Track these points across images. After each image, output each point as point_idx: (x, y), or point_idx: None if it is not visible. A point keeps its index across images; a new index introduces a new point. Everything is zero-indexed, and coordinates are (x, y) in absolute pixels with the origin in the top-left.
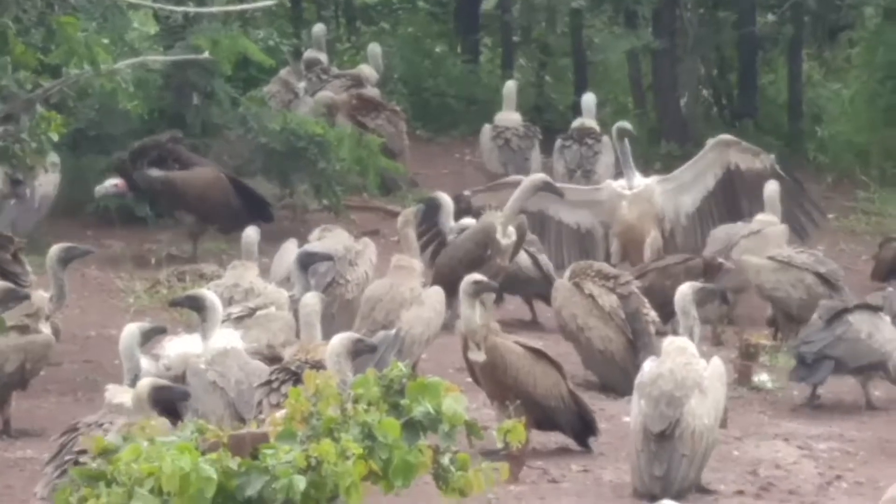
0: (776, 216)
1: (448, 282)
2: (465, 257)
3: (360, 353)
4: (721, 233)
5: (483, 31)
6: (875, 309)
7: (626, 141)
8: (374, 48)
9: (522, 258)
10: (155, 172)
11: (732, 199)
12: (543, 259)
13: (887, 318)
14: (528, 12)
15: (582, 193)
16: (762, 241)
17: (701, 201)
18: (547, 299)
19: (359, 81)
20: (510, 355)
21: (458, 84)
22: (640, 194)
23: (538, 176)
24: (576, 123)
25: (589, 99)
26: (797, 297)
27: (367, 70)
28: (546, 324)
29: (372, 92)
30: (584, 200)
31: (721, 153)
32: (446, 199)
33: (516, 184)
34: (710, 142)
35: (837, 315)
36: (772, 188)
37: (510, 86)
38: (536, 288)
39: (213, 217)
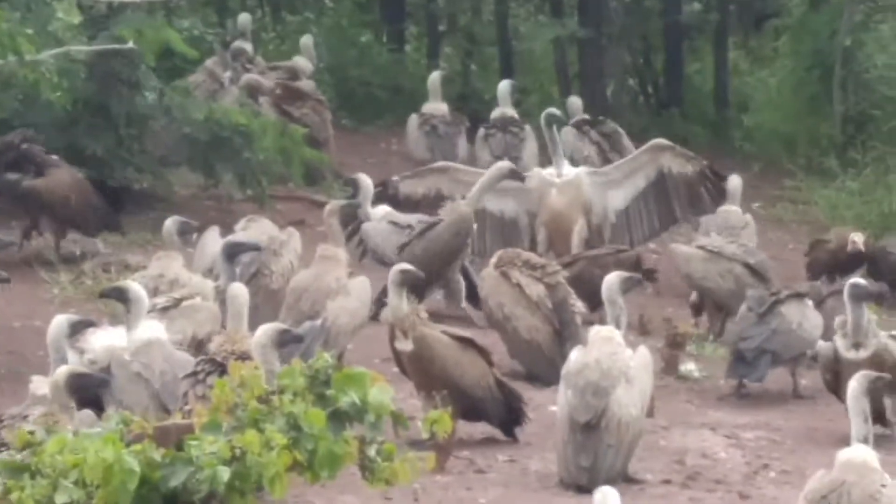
0: (738, 207)
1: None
2: (444, 249)
3: (285, 343)
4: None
5: (409, 20)
6: (801, 295)
7: (555, 128)
8: (307, 40)
9: None
10: (12, 176)
11: (665, 201)
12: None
13: (810, 303)
14: (453, 1)
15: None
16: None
17: (631, 200)
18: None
19: (294, 74)
20: (437, 345)
21: (384, 73)
22: (569, 182)
23: (504, 164)
24: (496, 113)
25: (504, 87)
26: (726, 288)
27: (301, 62)
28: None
29: (308, 85)
30: (510, 189)
31: (655, 156)
32: (366, 182)
33: (443, 169)
34: (646, 145)
35: (770, 307)
36: (735, 182)
37: (435, 77)
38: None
39: (76, 220)
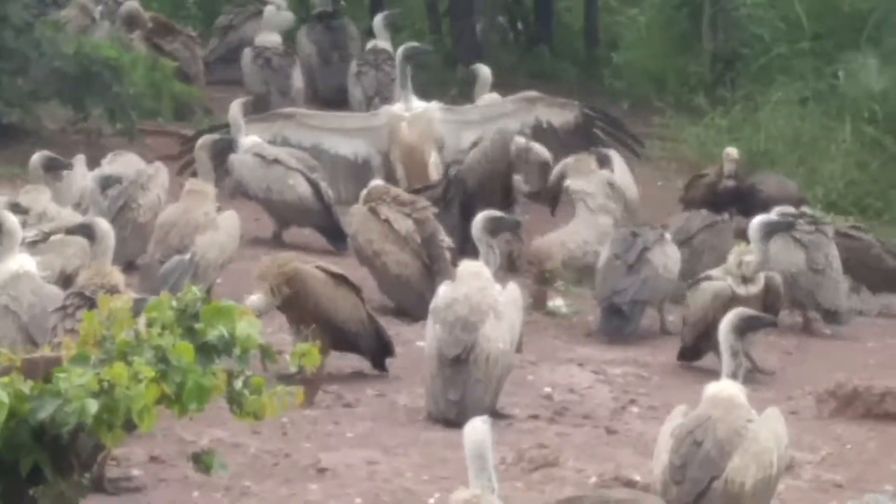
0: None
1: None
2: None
3: None
4: None
5: None
6: (660, 232)
7: (408, 65)
8: None
9: (303, 187)
10: None
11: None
12: (324, 187)
13: (668, 237)
14: None
15: (357, 120)
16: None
17: None
18: (327, 231)
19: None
20: (311, 280)
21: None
22: (420, 115)
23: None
24: (370, 45)
25: (380, 20)
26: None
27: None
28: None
29: None
30: (360, 128)
31: (526, 109)
32: (237, 114)
33: (289, 115)
34: (515, 95)
35: (638, 256)
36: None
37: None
38: (315, 219)
39: None
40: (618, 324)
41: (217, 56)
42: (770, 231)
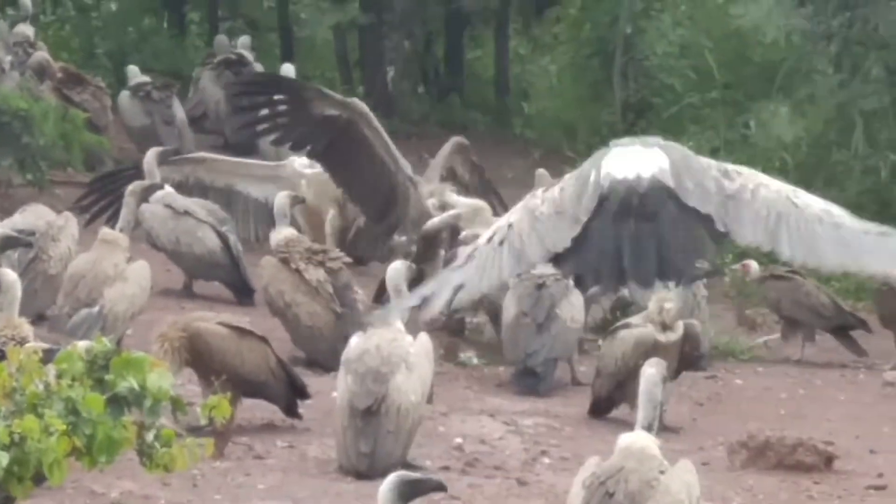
0: None
1: None
2: None
3: None
4: None
5: (189, 5)
6: (564, 282)
7: None
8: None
9: (212, 240)
10: None
11: None
12: (233, 240)
13: (571, 283)
14: None
15: (265, 169)
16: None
17: None
18: (234, 286)
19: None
20: (214, 339)
21: (165, 59)
22: (319, 174)
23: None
24: None
25: (288, 69)
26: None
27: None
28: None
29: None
30: (270, 175)
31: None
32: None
33: (199, 160)
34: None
35: (547, 315)
36: (540, 171)
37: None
38: (223, 273)
39: None
40: (532, 383)
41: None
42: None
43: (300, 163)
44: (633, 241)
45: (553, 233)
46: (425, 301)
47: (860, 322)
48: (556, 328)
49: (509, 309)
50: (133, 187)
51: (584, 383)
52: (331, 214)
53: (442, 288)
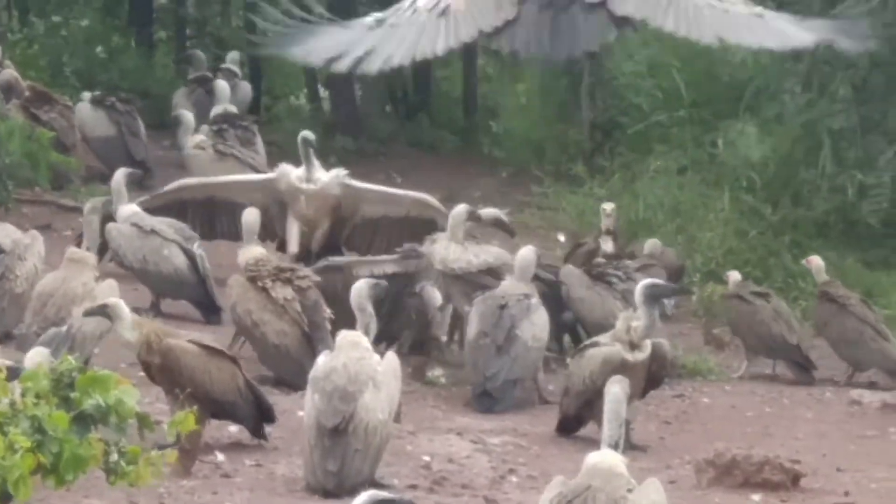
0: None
1: None
2: None
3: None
4: None
5: (157, 24)
6: (525, 297)
7: (311, 149)
8: None
9: (179, 259)
10: None
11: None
12: (200, 258)
13: (535, 300)
14: (202, 6)
15: (261, 181)
16: None
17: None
18: (201, 304)
19: None
20: (184, 356)
21: (133, 77)
22: (318, 191)
23: (462, 208)
24: (218, 110)
25: (233, 57)
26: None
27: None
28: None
29: None
30: (263, 188)
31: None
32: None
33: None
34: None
35: (506, 336)
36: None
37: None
38: (190, 291)
39: None
40: (490, 405)
41: None
42: (656, 295)
43: (297, 176)
44: (553, 24)
45: (487, 15)
46: (330, 61)
47: (806, 360)
48: (515, 350)
49: (472, 327)
50: (92, 204)
51: (550, 401)
52: (324, 226)
53: (352, 48)
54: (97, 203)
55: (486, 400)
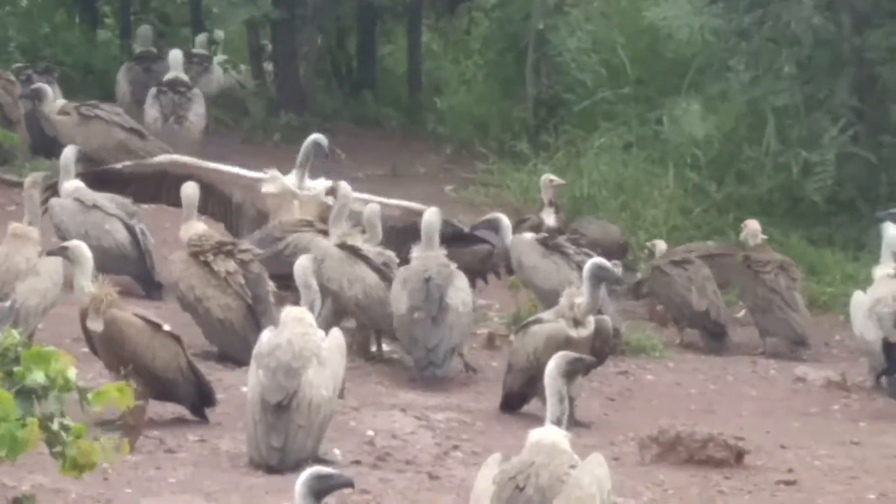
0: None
1: None
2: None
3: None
4: None
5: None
6: (444, 267)
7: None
8: None
9: (120, 233)
10: None
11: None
12: (141, 234)
13: (453, 266)
14: None
15: (253, 179)
16: None
17: None
18: (143, 279)
19: None
20: (129, 328)
21: (76, 53)
22: (312, 199)
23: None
24: (169, 76)
25: (175, 54)
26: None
27: None
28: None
29: None
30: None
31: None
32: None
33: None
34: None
35: (439, 306)
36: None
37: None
38: (131, 266)
39: None
40: (432, 372)
41: None
42: (601, 278)
43: (290, 180)
44: None
45: None
46: None
47: (720, 328)
48: (450, 318)
49: (401, 303)
50: (32, 178)
51: (474, 369)
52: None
53: None
54: (37, 177)
55: (429, 369)
